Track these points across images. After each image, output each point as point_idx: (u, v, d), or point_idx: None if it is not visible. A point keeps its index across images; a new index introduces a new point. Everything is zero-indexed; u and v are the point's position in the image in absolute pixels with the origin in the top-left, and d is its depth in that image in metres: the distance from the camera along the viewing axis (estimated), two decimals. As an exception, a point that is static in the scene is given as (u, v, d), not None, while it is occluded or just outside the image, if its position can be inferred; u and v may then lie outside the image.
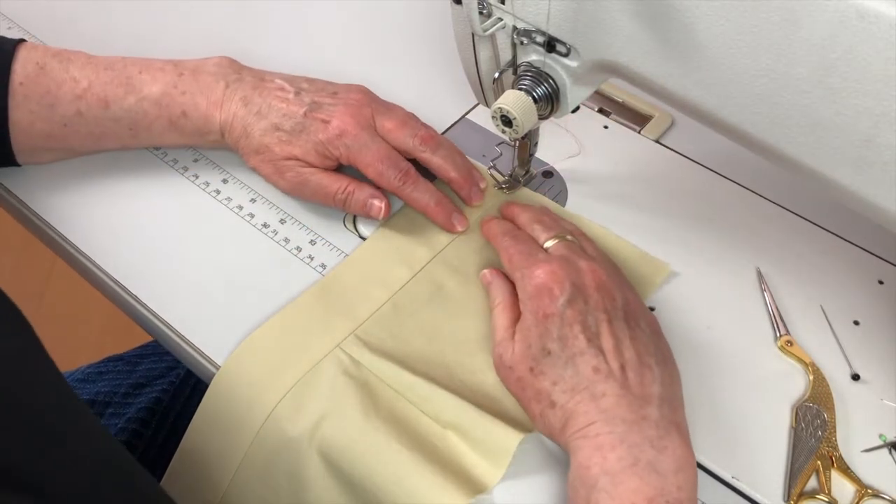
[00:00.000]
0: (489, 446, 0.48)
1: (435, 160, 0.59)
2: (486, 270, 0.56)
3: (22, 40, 0.58)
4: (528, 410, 0.49)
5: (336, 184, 0.58)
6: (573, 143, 0.66)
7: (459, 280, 0.57)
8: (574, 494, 0.45)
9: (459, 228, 0.59)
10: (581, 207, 0.62)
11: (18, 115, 0.56)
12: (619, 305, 0.50)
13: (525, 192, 0.63)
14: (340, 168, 0.59)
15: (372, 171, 0.57)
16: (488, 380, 0.52)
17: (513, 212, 0.59)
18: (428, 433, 0.49)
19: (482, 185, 0.61)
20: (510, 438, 0.48)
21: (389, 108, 0.60)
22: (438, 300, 0.56)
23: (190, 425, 0.52)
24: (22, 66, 0.56)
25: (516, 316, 0.51)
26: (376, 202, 0.58)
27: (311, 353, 0.52)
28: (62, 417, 0.41)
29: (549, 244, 0.54)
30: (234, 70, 0.60)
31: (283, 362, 0.52)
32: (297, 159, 0.58)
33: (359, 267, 0.57)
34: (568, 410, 0.46)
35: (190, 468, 0.53)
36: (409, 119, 0.60)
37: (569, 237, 0.55)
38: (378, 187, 0.58)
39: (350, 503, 0.49)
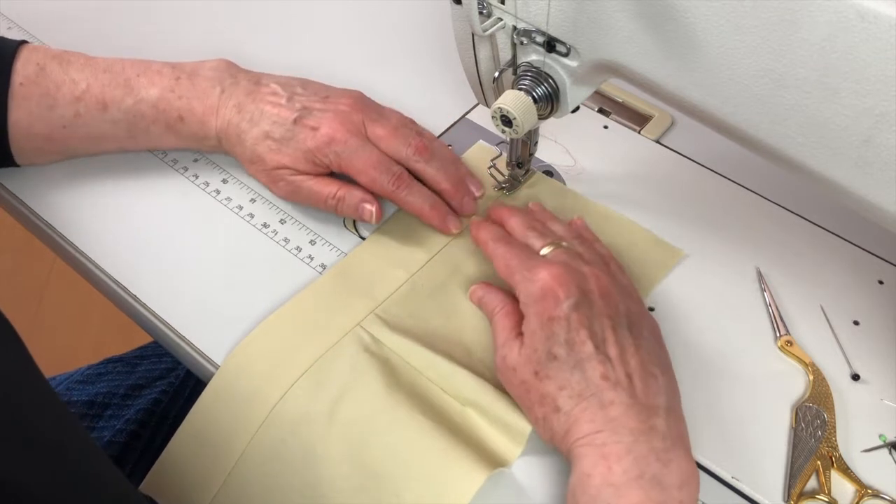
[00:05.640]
0: (508, 423, 0.49)
1: (429, 171, 0.58)
2: (473, 286, 0.55)
3: (24, 42, 0.58)
4: (528, 414, 0.49)
5: (326, 189, 0.57)
6: (567, 155, 0.66)
7: (477, 261, 0.58)
8: (573, 502, 0.45)
9: (454, 230, 0.58)
10: (581, 207, 0.62)
11: (18, 115, 0.56)
12: (623, 312, 0.50)
13: (548, 183, 0.63)
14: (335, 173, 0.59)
15: (364, 177, 0.56)
16: None
17: (501, 215, 0.58)
18: (448, 410, 0.50)
19: (478, 194, 0.60)
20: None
21: (382, 113, 0.59)
22: (457, 281, 0.56)
23: (199, 400, 0.52)
24: (23, 67, 0.56)
25: (519, 320, 0.51)
26: (367, 206, 0.57)
27: (331, 331, 0.53)
28: (59, 433, 0.40)
29: (545, 251, 0.53)
30: (231, 74, 0.59)
31: (303, 341, 0.52)
32: (288, 168, 0.57)
33: (376, 249, 0.58)
34: (573, 417, 0.46)
35: (194, 446, 0.52)
36: (403, 126, 0.58)
37: (564, 244, 0.53)
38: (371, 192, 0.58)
39: (364, 478, 0.48)
